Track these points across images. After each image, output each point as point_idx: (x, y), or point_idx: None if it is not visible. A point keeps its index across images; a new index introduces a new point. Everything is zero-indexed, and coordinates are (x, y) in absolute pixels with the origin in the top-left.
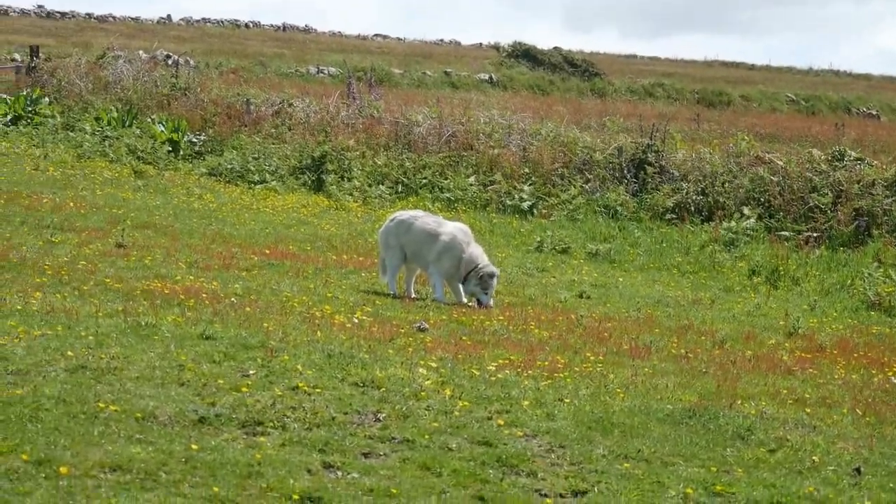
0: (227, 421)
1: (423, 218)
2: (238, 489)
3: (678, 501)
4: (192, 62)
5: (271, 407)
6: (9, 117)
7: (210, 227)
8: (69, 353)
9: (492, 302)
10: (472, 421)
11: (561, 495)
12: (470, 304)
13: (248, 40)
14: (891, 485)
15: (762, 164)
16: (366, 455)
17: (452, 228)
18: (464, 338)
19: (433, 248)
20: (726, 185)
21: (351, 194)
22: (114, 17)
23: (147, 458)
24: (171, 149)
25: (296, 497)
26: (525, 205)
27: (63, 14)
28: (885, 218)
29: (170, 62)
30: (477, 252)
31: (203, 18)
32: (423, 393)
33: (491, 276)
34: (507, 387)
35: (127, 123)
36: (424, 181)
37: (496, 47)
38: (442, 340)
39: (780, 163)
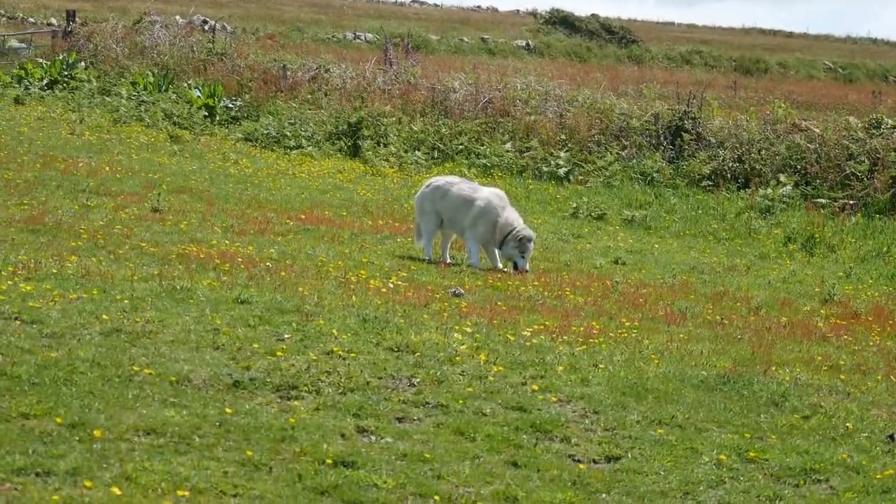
0: (261, 385)
1: (458, 184)
2: (271, 453)
3: (711, 468)
4: (228, 27)
5: (306, 371)
6: (45, 81)
7: (246, 192)
8: (104, 316)
9: (528, 266)
10: (506, 386)
11: (594, 461)
12: (505, 269)
13: (285, 6)
14: None
15: (799, 132)
16: (400, 420)
17: (488, 193)
18: (499, 303)
19: (469, 214)
20: (763, 152)
21: (387, 160)
22: None
23: (181, 421)
24: (207, 114)
25: (329, 461)
26: (561, 171)
27: None
28: None
29: (206, 27)
30: (513, 216)
31: None
32: (457, 358)
33: (529, 239)
34: (541, 352)
35: (163, 88)
36: (461, 147)
37: (533, 14)
38: (477, 306)
39: (817, 130)
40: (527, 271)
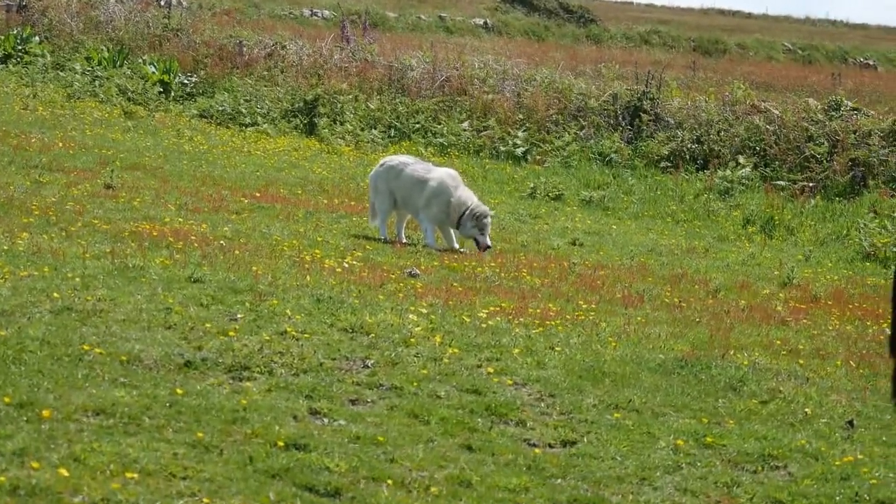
0: (213, 365)
1: (412, 165)
2: (223, 435)
3: (668, 453)
4: (184, 2)
5: (258, 352)
6: None
7: (200, 169)
8: (55, 294)
9: (489, 242)
10: (461, 368)
11: (550, 445)
12: (462, 249)
13: None
14: (884, 438)
15: (758, 113)
16: (353, 402)
17: (440, 173)
18: (455, 284)
19: (422, 195)
20: (722, 133)
21: (343, 138)
22: None
23: (131, 402)
24: (161, 90)
25: (281, 444)
26: (519, 151)
27: None
28: (881, 168)
29: (162, 2)
30: (466, 194)
31: None
32: (412, 339)
33: (484, 215)
34: (497, 334)
35: (118, 64)
36: (417, 126)
37: None
38: (433, 286)
39: (776, 112)
40: (490, 247)
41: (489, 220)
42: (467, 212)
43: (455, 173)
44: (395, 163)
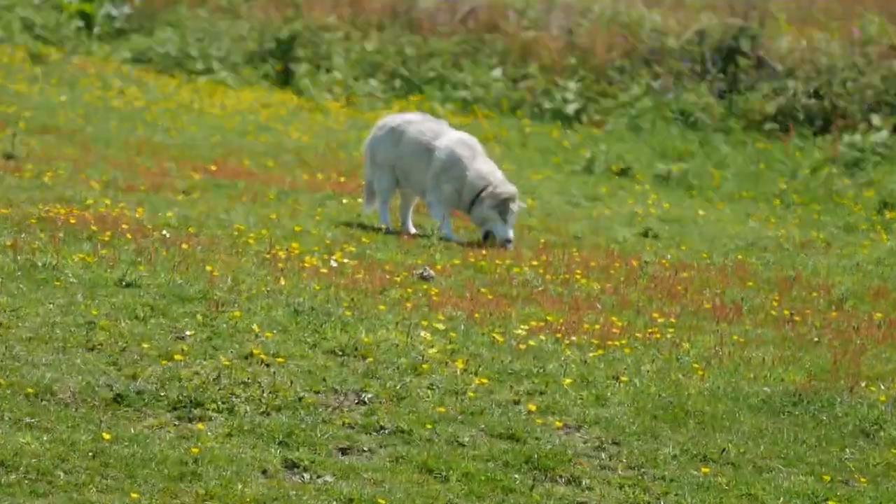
0: (152, 401)
1: (419, 123)
2: (165, 496)
3: None
4: None
5: (215, 382)
6: None
7: (135, 133)
8: None
9: (511, 233)
10: (492, 405)
11: None
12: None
13: None
14: None
15: None
16: (344, 451)
17: (451, 139)
18: (483, 290)
19: (429, 168)
20: (849, 84)
21: (330, 91)
22: None
23: (40, 450)
24: (83, 24)
25: None
26: (570, 108)
27: None
28: None
29: None
30: (486, 168)
31: None
32: (425, 365)
33: (512, 198)
34: (541, 359)
35: None
36: (432, 74)
37: None
38: (452, 293)
39: None
40: (511, 242)
41: (517, 206)
42: (487, 189)
43: (471, 139)
44: (398, 122)
